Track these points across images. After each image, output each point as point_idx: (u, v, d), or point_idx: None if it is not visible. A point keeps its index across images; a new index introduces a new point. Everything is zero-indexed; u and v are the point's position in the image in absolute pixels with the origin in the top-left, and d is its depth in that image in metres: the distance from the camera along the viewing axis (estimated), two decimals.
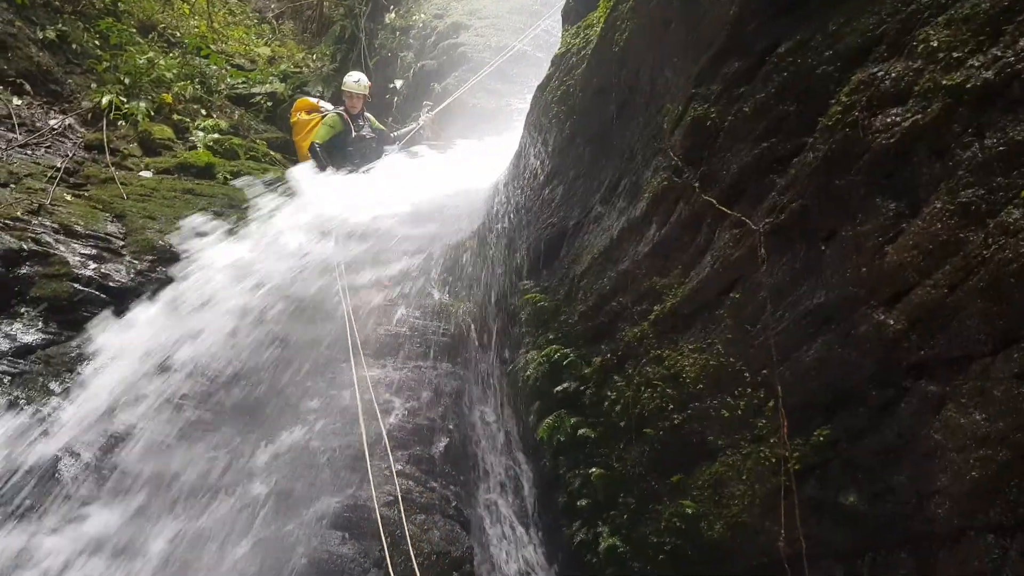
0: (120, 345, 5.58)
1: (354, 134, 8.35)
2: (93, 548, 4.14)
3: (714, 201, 3.36)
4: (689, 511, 3.44)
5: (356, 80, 8.54)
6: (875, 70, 2.62)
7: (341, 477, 4.77)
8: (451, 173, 8.00)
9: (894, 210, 2.52)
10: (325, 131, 8.16)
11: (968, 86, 2.28)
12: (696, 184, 3.51)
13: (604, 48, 4.52)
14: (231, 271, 6.37)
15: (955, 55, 2.36)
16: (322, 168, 7.98)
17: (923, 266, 2.39)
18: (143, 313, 5.94)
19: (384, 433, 5.05)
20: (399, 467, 4.83)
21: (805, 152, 2.88)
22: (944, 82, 2.36)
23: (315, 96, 9.71)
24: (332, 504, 4.52)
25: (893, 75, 2.55)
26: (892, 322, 2.48)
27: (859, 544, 2.74)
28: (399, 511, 4.40)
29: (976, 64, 2.28)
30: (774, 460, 3.00)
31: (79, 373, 5.38)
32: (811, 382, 2.86)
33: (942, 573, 2.42)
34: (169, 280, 6.38)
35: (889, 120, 2.52)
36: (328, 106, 8.74)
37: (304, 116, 8.48)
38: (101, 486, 4.49)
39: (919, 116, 2.42)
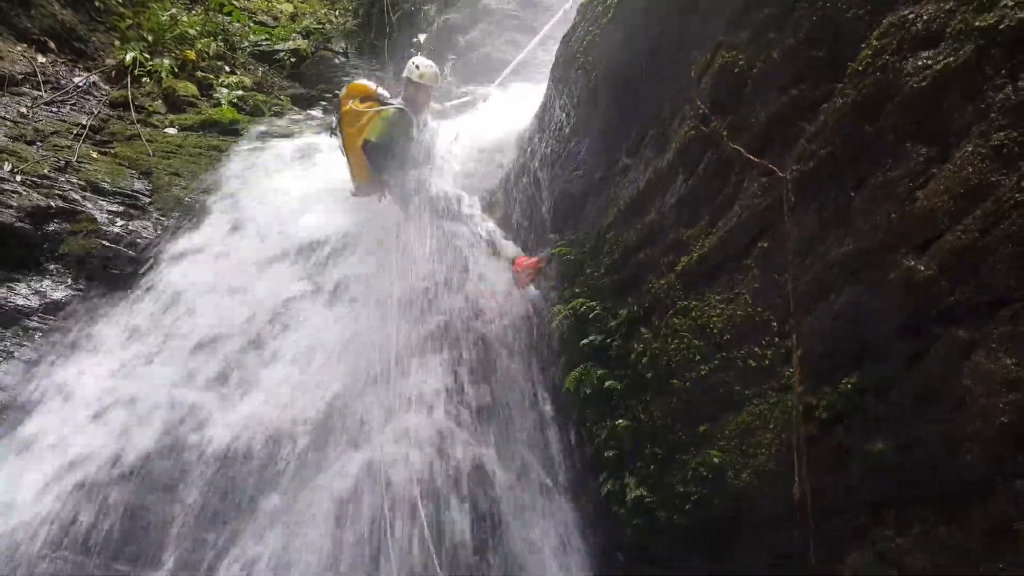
0: None
1: (416, 134, 6.42)
2: None
3: (742, 150, 3.33)
4: (716, 460, 3.47)
5: (420, 69, 6.54)
6: (906, 12, 2.57)
7: (371, 429, 4.85)
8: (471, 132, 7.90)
9: (924, 155, 2.48)
10: (382, 126, 6.19)
11: (1001, 27, 2.23)
12: (724, 133, 3.48)
13: None
14: None
15: None
16: (376, 177, 6.26)
17: (954, 211, 2.36)
18: None
19: (414, 388, 5.13)
20: (428, 421, 4.90)
21: (834, 98, 2.84)
22: (977, 23, 2.31)
23: (370, 82, 7.10)
24: (361, 457, 4.60)
25: (925, 17, 2.50)
26: (922, 268, 2.46)
27: (886, 492, 2.75)
28: (430, 464, 4.49)
29: (1010, 4, 2.23)
30: (801, 409, 3.01)
31: None
32: (840, 330, 2.85)
33: (971, 519, 2.43)
34: None
35: (920, 63, 2.48)
36: (387, 94, 6.73)
37: (357, 105, 6.45)
38: None
39: (951, 59, 2.38)
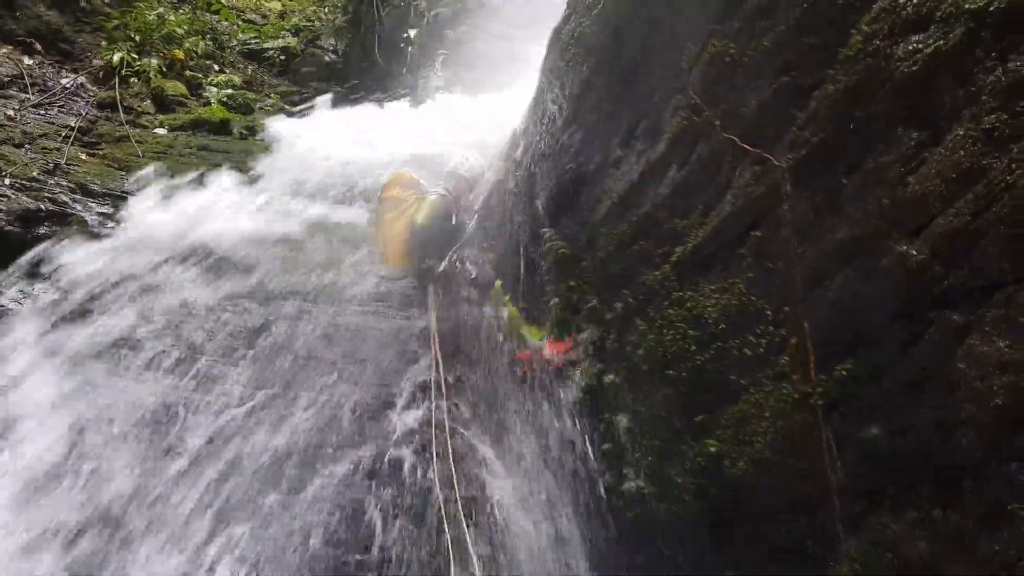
0: None
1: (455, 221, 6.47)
2: None
3: (735, 139, 3.33)
4: (713, 450, 3.48)
5: (468, 163, 6.83)
6: None
7: (367, 427, 4.84)
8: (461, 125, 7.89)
9: (916, 139, 2.49)
10: (428, 210, 6.26)
11: (991, 9, 2.23)
12: (716, 122, 3.48)
13: None
14: None
15: None
16: (413, 262, 6.26)
17: (945, 195, 2.36)
18: None
19: (412, 382, 5.13)
20: (426, 416, 4.89)
21: (826, 84, 2.84)
22: (967, 6, 2.31)
23: (414, 172, 7.15)
24: (359, 454, 4.60)
25: (915, 1, 2.50)
26: (915, 253, 2.47)
27: (882, 478, 2.75)
28: (426, 459, 4.48)
29: None
30: (797, 397, 3.02)
31: None
32: (834, 318, 2.86)
33: (966, 503, 2.43)
34: None
35: (911, 48, 2.48)
36: (427, 185, 6.87)
37: (400, 192, 6.64)
38: None
39: (941, 42, 2.38)
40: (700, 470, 3.55)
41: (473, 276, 6.05)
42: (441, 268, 6.01)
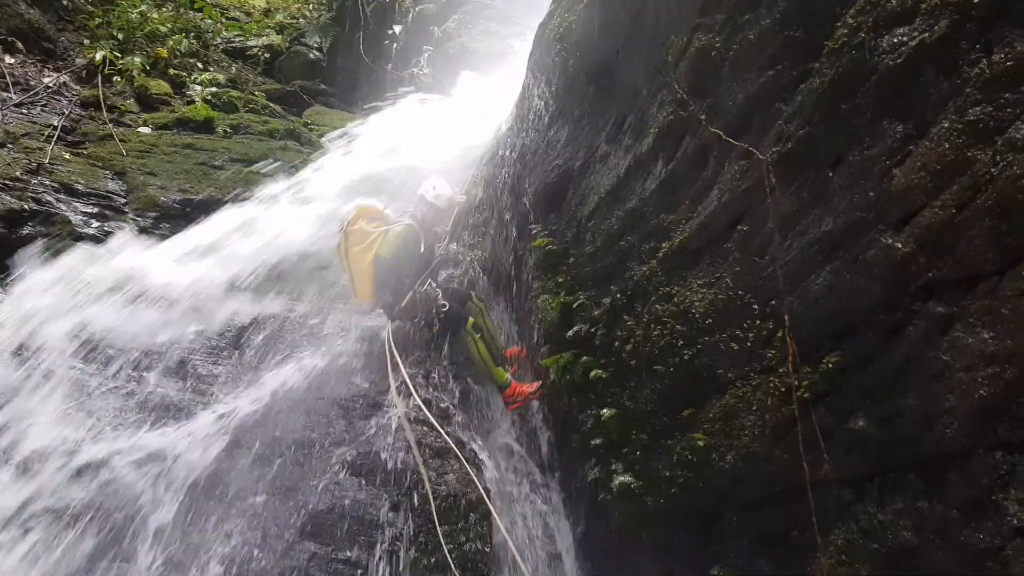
0: None
1: (423, 248, 6.10)
2: None
3: (721, 133, 3.33)
4: (700, 444, 3.48)
5: (437, 191, 6.29)
6: None
7: (356, 426, 4.82)
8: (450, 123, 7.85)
9: (901, 132, 2.50)
10: (393, 242, 5.89)
11: (976, 1, 2.25)
12: (702, 116, 3.48)
13: None
14: None
15: None
16: (380, 295, 6.06)
17: (931, 187, 2.37)
18: None
19: (399, 381, 5.11)
20: (414, 414, 4.87)
21: (811, 78, 2.85)
22: None
23: (379, 203, 6.52)
24: (349, 452, 4.58)
25: None
26: (900, 245, 2.48)
27: (868, 468, 2.77)
28: (416, 456, 4.47)
29: None
30: (784, 389, 3.03)
31: None
32: (819, 310, 2.86)
33: (951, 492, 2.45)
34: None
35: (896, 40, 2.49)
36: (394, 215, 6.40)
37: (366, 226, 6.18)
38: None
39: (926, 34, 2.39)
40: (687, 463, 3.56)
41: (452, 287, 6.00)
42: (409, 298, 5.85)
